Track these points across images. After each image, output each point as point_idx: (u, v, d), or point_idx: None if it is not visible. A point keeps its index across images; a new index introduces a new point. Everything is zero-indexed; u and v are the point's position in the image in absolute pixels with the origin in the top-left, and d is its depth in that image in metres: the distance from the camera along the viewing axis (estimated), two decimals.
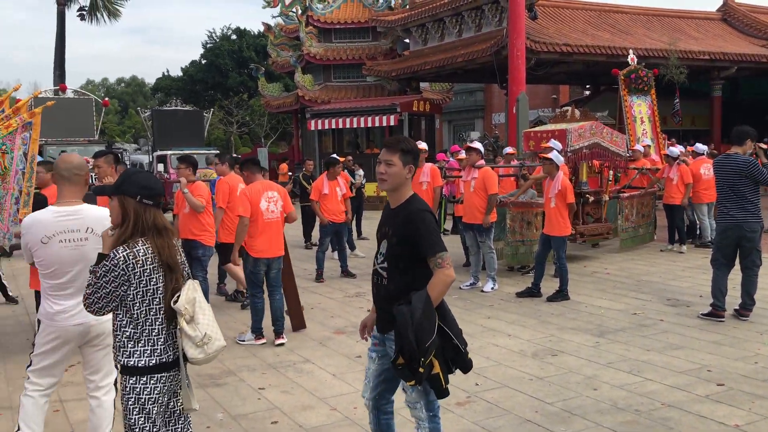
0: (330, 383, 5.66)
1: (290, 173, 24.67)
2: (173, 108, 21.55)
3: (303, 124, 28.19)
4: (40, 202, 6.75)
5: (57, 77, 24.21)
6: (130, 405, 3.06)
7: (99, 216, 3.94)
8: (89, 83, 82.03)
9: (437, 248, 3.39)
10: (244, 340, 6.85)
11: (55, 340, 4.01)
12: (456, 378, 5.52)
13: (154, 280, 3.05)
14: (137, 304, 3.03)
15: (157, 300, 3.06)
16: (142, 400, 3.06)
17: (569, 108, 11.95)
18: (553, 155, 8.61)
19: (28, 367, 4.20)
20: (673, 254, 11.40)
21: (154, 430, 3.10)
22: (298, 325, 7.29)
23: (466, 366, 3.58)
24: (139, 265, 3.00)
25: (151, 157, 21.07)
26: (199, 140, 21.01)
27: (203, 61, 48.43)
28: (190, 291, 3.10)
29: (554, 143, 9.50)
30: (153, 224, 3.09)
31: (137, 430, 3.07)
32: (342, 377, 5.76)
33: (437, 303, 3.38)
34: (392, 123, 21.76)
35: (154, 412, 3.08)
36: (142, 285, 3.02)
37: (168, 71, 54.76)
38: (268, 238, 6.77)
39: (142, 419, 3.06)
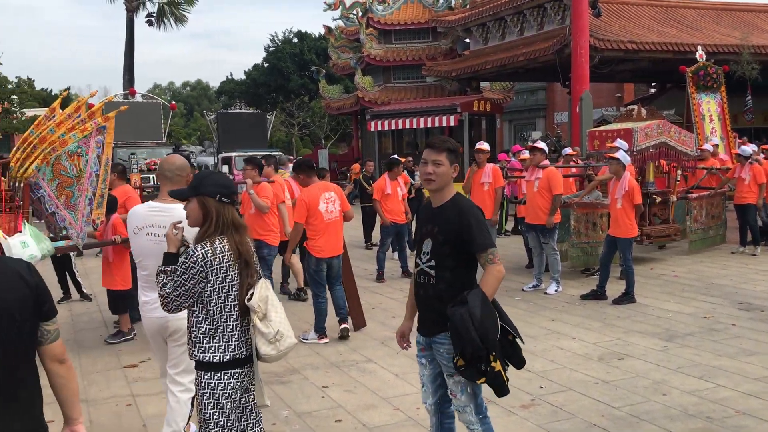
0: (393, 383, 5.67)
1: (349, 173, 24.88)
2: (237, 111, 22.00)
3: (363, 126, 28.36)
4: (111, 203, 7.00)
5: (126, 82, 25.01)
6: (205, 400, 3.14)
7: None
8: (156, 87, 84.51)
9: (488, 244, 3.40)
10: (307, 339, 6.94)
11: (147, 331, 4.35)
12: (519, 380, 5.49)
13: (230, 276, 3.12)
14: (213, 301, 3.11)
15: (232, 297, 3.13)
16: (217, 395, 3.13)
17: (635, 107, 11.67)
18: (620, 155, 8.43)
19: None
20: (745, 256, 11.00)
21: (228, 424, 3.17)
22: (359, 323, 7.34)
23: (520, 361, 3.55)
24: (216, 262, 3.08)
25: (216, 158, 21.55)
26: (263, 142, 21.38)
27: (265, 65, 49.17)
28: (263, 289, 3.17)
29: (620, 143, 9.29)
30: (231, 221, 3.18)
31: (212, 424, 3.14)
32: (404, 377, 5.77)
33: (491, 299, 3.37)
34: (452, 123, 21.68)
35: (228, 407, 3.15)
36: (218, 282, 3.10)
37: (232, 75, 55.92)
38: (329, 238, 6.87)
39: (217, 414, 3.14)
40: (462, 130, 21.61)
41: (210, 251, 3.08)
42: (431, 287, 3.52)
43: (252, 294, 3.13)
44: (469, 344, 3.22)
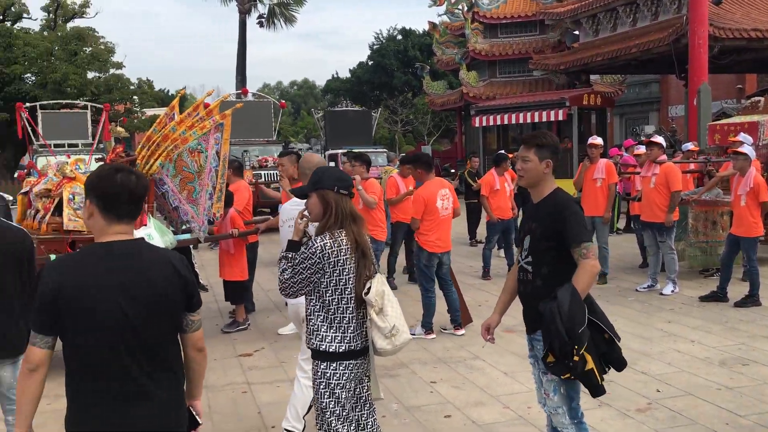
0: (501, 381, 5.61)
1: (452, 170, 24.74)
2: (344, 109, 22.37)
3: (466, 121, 28.14)
4: (228, 198, 7.28)
5: (239, 82, 25.97)
6: (321, 389, 3.22)
7: None
8: (265, 86, 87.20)
9: (583, 238, 3.32)
10: (414, 334, 6.96)
11: (290, 315, 4.75)
12: (635, 383, 5.30)
13: (347, 269, 3.18)
14: (330, 292, 3.18)
15: (349, 289, 3.19)
16: (332, 385, 3.20)
17: (761, 98, 10.99)
18: (747, 149, 7.95)
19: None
20: None
21: (344, 414, 3.23)
22: (465, 319, 7.30)
23: (620, 362, 3.43)
24: (334, 255, 3.15)
25: (323, 155, 22.00)
26: (368, 139, 21.65)
27: (370, 62, 49.73)
28: (379, 284, 3.22)
29: (744, 137, 8.78)
30: (350, 213, 3.25)
31: (328, 413, 3.22)
32: (513, 376, 5.70)
33: (584, 295, 3.27)
34: (561, 117, 21.14)
35: (344, 397, 3.21)
36: (335, 274, 3.16)
37: (337, 73, 57.11)
38: (441, 234, 6.96)
39: (333, 403, 3.21)
40: (571, 125, 21.03)
41: (329, 243, 3.15)
42: (529, 284, 3.50)
43: (369, 288, 3.18)
44: (556, 338, 3.15)
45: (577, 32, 25.43)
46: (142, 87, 30.92)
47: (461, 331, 7.04)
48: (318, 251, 3.14)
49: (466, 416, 4.90)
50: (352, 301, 3.20)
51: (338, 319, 3.19)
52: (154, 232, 6.20)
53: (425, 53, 42.91)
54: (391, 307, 3.20)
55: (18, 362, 3.96)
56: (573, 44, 25.77)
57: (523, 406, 4.99)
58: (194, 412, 2.75)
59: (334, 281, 3.17)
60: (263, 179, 16.86)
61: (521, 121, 22.19)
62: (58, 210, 6.02)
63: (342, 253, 3.16)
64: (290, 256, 3.25)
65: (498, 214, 9.98)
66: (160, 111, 38.63)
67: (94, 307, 2.37)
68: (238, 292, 7.66)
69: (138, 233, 6.09)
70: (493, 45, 27.66)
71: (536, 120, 21.78)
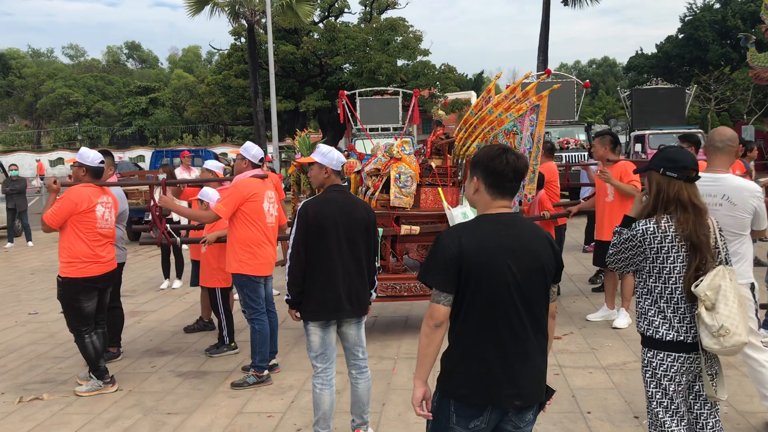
0: None
1: None
2: (653, 87, 20.95)
3: None
4: (540, 180, 7.30)
5: (540, 63, 25.74)
6: (647, 377, 3.11)
7: (738, 186, 4.02)
8: (562, 66, 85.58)
9: None
10: None
11: None
12: None
13: (672, 258, 2.99)
14: (653, 278, 3.05)
15: (674, 278, 3.00)
16: (658, 375, 3.07)
17: None
18: None
19: None
20: None
21: (672, 407, 3.07)
22: None
23: None
24: (657, 242, 2.99)
25: (627, 137, 20.93)
26: (680, 119, 20.05)
27: (680, 36, 46.05)
28: (717, 277, 2.95)
29: None
30: (676, 198, 3.02)
31: (654, 403, 3.10)
32: None
33: None
34: None
35: (671, 389, 3.05)
36: (659, 261, 3.01)
37: (641, 49, 53.48)
38: None
39: (659, 394, 3.08)
40: None
41: (651, 229, 3.00)
42: None
43: (701, 281, 2.93)
44: None
45: None
46: (446, 72, 32.24)
47: None
48: (638, 235, 3.04)
49: None
50: (678, 292, 3.00)
51: (662, 307, 3.04)
52: (468, 211, 6.46)
53: (748, 22, 38.52)
54: (726, 305, 2.92)
55: (362, 321, 4.40)
56: None
57: None
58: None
59: (657, 268, 3.02)
60: (564, 161, 16.57)
61: None
62: (386, 188, 6.54)
63: (667, 240, 2.97)
64: (619, 230, 3.17)
65: None
66: (462, 95, 40.01)
67: (491, 266, 2.59)
68: None
69: (455, 211, 6.45)
70: None
71: None
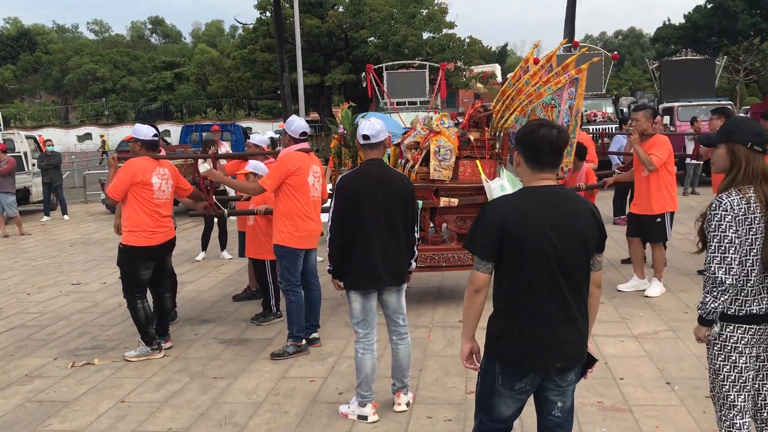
0: None
1: None
2: (682, 58, 20.64)
3: None
4: (581, 151, 7.39)
5: (567, 34, 25.41)
6: (716, 350, 3.09)
7: None
8: (587, 38, 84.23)
9: None
10: None
11: None
12: None
13: (754, 229, 2.97)
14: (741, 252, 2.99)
15: (754, 251, 2.98)
16: (728, 348, 3.05)
17: None
18: None
19: None
20: None
21: (741, 381, 3.06)
22: None
23: None
24: (742, 213, 2.96)
25: (656, 109, 20.64)
26: (710, 91, 19.76)
27: (708, 5, 45.17)
28: None
29: None
30: (762, 172, 3.02)
31: (722, 377, 3.08)
32: None
33: None
34: None
35: (741, 362, 3.04)
36: (743, 233, 2.97)
37: (669, 20, 52.56)
38: None
39: (728, 367, 3.06)
40: None
41: (736, 200, 2.97)
42: None
43: None
44: None
45: None
46: (472, 46, 32.02)
47: None
48: (729, 207, 2.97)
49: None
50: (758, 264, 2.99)
51: (741, 282, 3.00)
52: (506, 183, 6.54)
53: None
54: None
55: (402, 289, 4.55)
56: None
57: None
58: (590, 350, 2.95)
59: (741, 241, 2.97)
60: (590, 134, 16.48)
61: None
62: (425, 161, 6.64)
63: (750, 211, 2.97)
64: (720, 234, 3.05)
65: None
66: (487, 68, 39.67)
67: (531, 236, 2.76)
68: None
69: (493, 183, 6.54)
70: None
71: None
